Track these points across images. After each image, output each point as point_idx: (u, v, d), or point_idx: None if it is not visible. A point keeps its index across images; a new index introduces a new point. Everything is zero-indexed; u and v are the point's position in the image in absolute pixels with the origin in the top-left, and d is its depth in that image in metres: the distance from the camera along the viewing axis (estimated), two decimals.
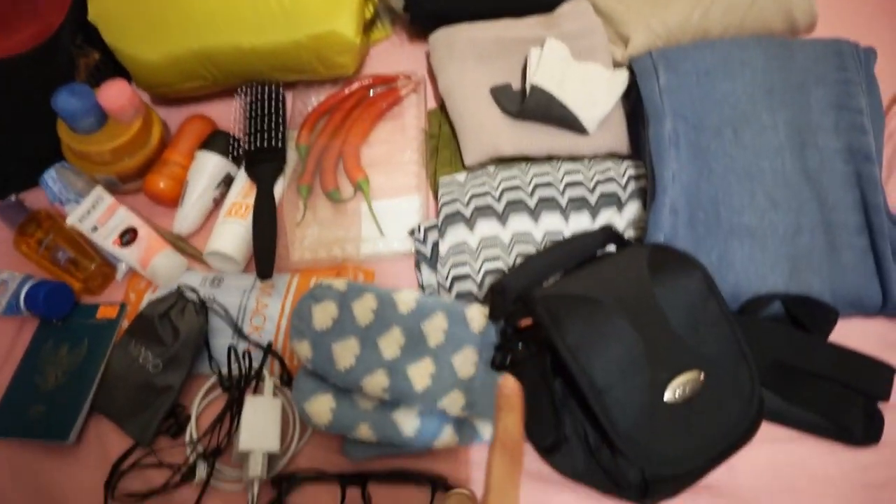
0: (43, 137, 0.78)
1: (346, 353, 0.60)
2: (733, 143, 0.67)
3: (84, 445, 0.67)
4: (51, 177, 0.79)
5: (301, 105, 0.85)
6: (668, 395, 0.48)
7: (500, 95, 0.75)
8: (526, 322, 0.56)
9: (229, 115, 0.83)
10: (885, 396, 0.60)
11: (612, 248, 0.66)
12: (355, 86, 0.84)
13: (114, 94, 0.74)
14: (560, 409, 0.52)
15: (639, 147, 0.74)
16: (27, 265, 0.77)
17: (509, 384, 0.42)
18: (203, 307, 0.69)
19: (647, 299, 0.50)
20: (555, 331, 0.49)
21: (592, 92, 0.72)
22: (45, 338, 0.72)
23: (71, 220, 0.74)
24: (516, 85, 0.77)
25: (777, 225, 0.65)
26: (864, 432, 0.60)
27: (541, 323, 0.50)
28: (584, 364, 0.48)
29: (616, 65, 0.78)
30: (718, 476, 0.60)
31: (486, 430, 0.63)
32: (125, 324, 0.72)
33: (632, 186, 0.71)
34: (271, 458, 0.63)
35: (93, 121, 0.74)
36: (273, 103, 0.81)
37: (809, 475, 0.60)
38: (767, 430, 0.62)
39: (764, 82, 0.68)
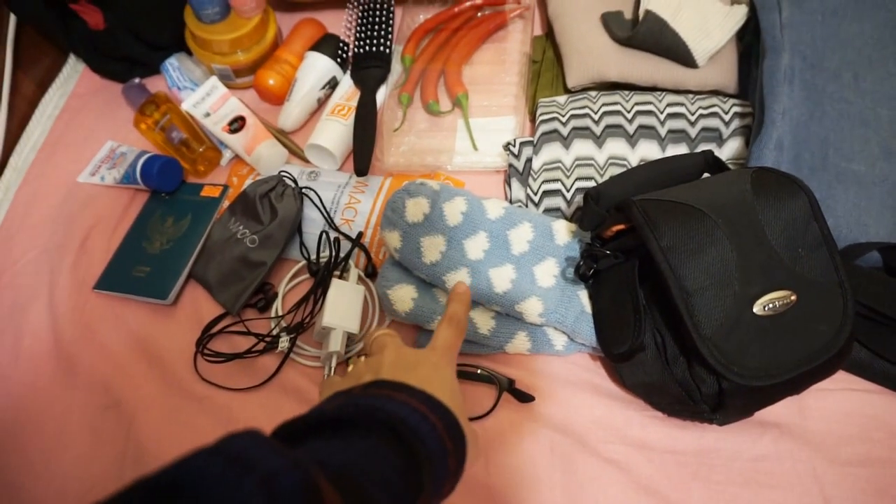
0: (169, 25, 0.83)
1: (433, 247, 0.62)
2: (852, 88, 0.65)
3: (180, 307, 0.72)
4: (171, 64, 0.85)
5: (409, 21, 0.87)
6: (756, 309, 0.48)
7: (611, 21, 0.74)
8: (614, 230, 0.56)
9: (340, 23, 0.86)
10: None
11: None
12: (464, 5, 0.85)
13: None
14: (642, 318, 0.53)
15: (747, 88, 0.72)
16: (145, 143, 0.82)
17: (462, 287, 0.54)
18: (300, 194, 0.72)
19: (747, 214, 0.50)
20: (649, 232, 0.49)
21: (707, 24, 0.71)
22: (154, 209, 0.78)
23: (186, 105, 0.78)
24: (628, 15, 0.76)
25: (888, 175, 0.62)
26: None
27: (635, 224, 0.50)
28: (676, 266, 0.48)
29: (736, 1, 0.75)
30: (788, 415, 0.59)
31: (559, 341, 0.64)
32: (226, 204, 0.76)
33: (735, 124, 0.70)
34: (348, 342, 0.67)
35: (217, 10, 0.79)
36: (383, 14, 0.83)
37: (885, 428, 0.58)
38: (847, 378, 0.61)
39: (894, 27, 0.65)
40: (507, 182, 0.73)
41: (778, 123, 0.63)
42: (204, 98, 0.79)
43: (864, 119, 0.64)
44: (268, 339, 0.67)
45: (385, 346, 0.48)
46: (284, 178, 0.73)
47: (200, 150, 0.79)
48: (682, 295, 0.48)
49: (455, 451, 0.39)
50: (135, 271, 0.73)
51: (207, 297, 0.72)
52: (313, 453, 0.33)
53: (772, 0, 0.68)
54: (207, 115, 0.79)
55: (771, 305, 0.48)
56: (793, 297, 0.49)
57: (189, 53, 0.85)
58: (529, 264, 0.64)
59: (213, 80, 0.80)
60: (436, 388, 0.41)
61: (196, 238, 0.73)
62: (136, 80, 0.86)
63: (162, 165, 0.76)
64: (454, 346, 0.50)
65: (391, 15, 0.84)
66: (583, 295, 0.62)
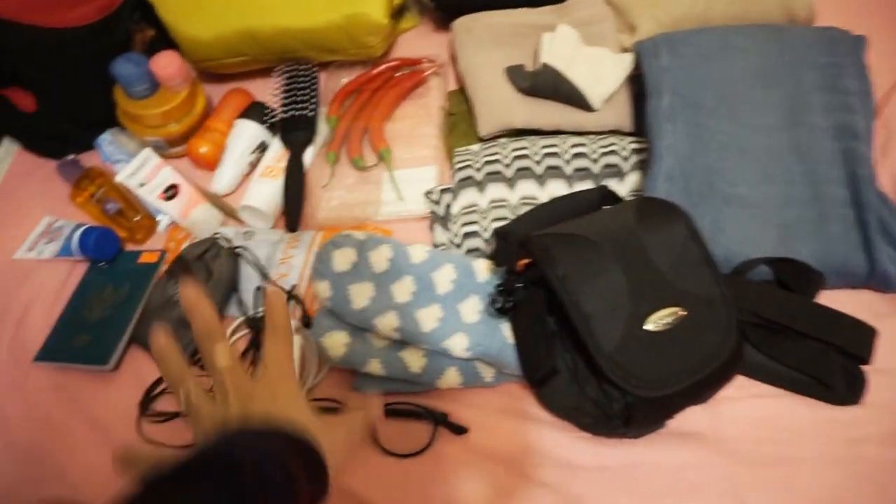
0: (100, 104, 0.86)
1: (361, 294, 0.66)
2: (728, 121, 0.72)
3: (122, 372, 0.73)
4: (105, 139, 0.88)
5: (333, 84, 0.93)
6: (648, 326, 0.53)
7: (514, 74, 0.81)
8: (523, 264, 0.61)
9: (267, 90, 0.91)
10: (867, 357, 0.63)
11: None
12: (382, 67, 0.91)
13: (165, 62, 0.82)
14: (552, 344, 0.57)
15: (642, 125, 0.79)
16: (81, 216, 0.85)
17: (274, 296, 0.50)
18: (234, 253, 0.75)
19: (632, 241, 0.55)
20: (547, 263, 0.54)
21: (599, 72, 0.78)
22: (93, 278, 0.80)
23: (120, 177, 0.82)
24: (529, 67, 0.83)
25: (768, 196, 0.69)
26: (847, 391, 0.63)
27: (535, 257, 0.55)
28: (572, 292, 0.53)
29: (624, 51, 0.83)
30: (704, 424, 0.64)
31: (488, 373, 0.68)
32: (164, 269, 0.79)
33: (633, 159, 0.76)
34: None
35: (146, 87, 0.83)
36: (307, 79, 0.89)
37: (791, 428, 0.63)
38: (752, 385, 0.66)
39: (758, 65, 0.73)
40: (432, 227, 0.78)
41: (665, 157, 0.69)
42: (138, 169, 0.82)
43: (743, 147, 0.71)
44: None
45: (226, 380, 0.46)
46: (217, 240, 0.76)
47: (136, 218, 0.82)
48: (581, 318, 0.53)
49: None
50: (75, 340, 0.74)
51: (149, 360, 0.74)
52: None
53: (651, 48, 0.76)
54: (142, 184, 0.82)
55: (662, 322, 0.53)
56: (681, 312, 0.54)
57: (122, 127, 0.89)
58: (454, 302, 0.67)
59: (147, 151, 0.84)
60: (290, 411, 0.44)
61: (135, 304, 0.75)
62: (71, 157, 0.89)
63: (98, 236, 0.78)
64: (286, 359, 0.48)
65: (314, 80, 0.89)
66: (505, 327, 0.66)
